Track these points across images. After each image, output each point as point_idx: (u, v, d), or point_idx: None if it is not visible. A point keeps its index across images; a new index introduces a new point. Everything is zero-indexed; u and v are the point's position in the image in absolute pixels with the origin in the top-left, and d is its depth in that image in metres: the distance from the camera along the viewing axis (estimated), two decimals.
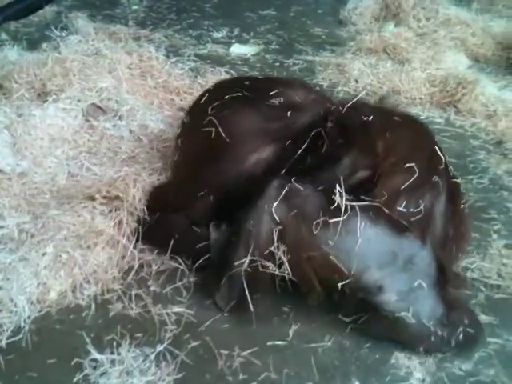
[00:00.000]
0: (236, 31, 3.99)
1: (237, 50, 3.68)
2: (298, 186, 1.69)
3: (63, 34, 3.31)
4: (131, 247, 1.96)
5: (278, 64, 3.57)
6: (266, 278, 1.73)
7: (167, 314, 1.79)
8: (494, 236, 2.18)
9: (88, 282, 1.87)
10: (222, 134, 1.95)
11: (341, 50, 3.69)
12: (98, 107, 2.64)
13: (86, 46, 3.09)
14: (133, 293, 1.86)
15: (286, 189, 1.68)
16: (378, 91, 3.21)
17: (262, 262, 1.70)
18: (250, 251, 1.71)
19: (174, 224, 2.01)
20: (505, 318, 1.84)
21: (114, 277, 1.91)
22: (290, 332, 1.76)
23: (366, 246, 1.64)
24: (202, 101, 2.18)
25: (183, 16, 4.18)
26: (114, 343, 1.69)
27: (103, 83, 2.73)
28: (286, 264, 1.68)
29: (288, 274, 1.70)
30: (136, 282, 1.91)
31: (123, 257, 1.95)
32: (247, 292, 1.73)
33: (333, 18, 4.30)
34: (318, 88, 3.18)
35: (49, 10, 3.90)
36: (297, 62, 3.59)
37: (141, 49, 3.17)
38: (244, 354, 1.68)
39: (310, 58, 3.64)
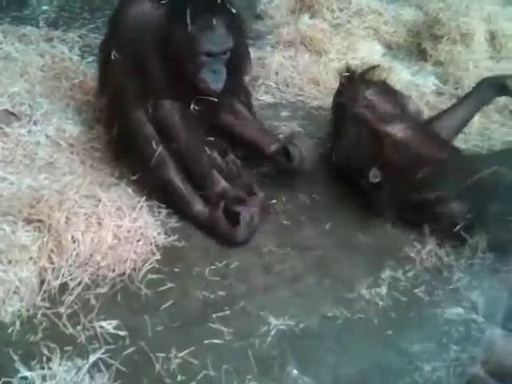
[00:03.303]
0: None
1: None
2: None
3: None
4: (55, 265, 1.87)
5: None
6: None
7: (100, 326, 1.73)
8: None
9: (11, 298, 1.77)
10: None
11: (259, 44, 3.71)
12: (11, 113, 2.52)
13: None
14: (61, 308, 1.78)
15: None
16: (298, 83, 3.26)
17: None
18: None
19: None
20: None
21: (39, 292, 1.82)
22: (226, 329, 1.76)
23: None
24: None
25: (97, 14, 4.03)
26: (44, 358, 1.62)
27: (15, 88, 2.61)
28: None
29: None
30: (61, 297, 1.83)
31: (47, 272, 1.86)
32: None
33: (249, 12, 4.29)
34: None
35: None
36: None
37: (53, 50, 3.08)
38: (181, 355, 1.67)
39: None
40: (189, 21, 2.08)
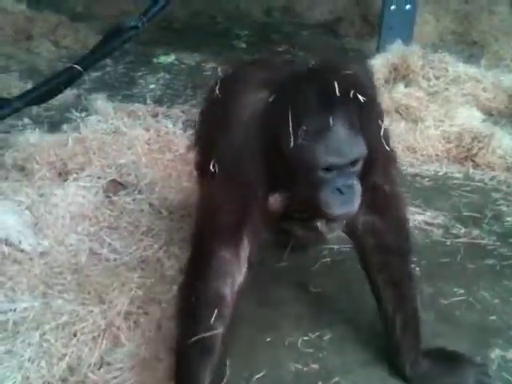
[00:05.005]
0: None
1: None
2: None
3: (83, 115, 3.43)
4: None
5: None
6: None
7: None
8: None
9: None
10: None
11: None
12: (118, 183, 2.69)
13: (105, 125, 3.21)
14: None
15: None
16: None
17: None
18: None
19: None
20: None
21: None
22: None
23: None
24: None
25: (199, 91, 4.29)
26: None
27: (122, 159, 2.80)
28: None
29: None
30: None
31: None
32: None
33: None
34: None
35: (69, 94, 4.02)
36: None
37: (158, 124, 3.27)
38: None
39: None
40: (292, 124, 1.45)
